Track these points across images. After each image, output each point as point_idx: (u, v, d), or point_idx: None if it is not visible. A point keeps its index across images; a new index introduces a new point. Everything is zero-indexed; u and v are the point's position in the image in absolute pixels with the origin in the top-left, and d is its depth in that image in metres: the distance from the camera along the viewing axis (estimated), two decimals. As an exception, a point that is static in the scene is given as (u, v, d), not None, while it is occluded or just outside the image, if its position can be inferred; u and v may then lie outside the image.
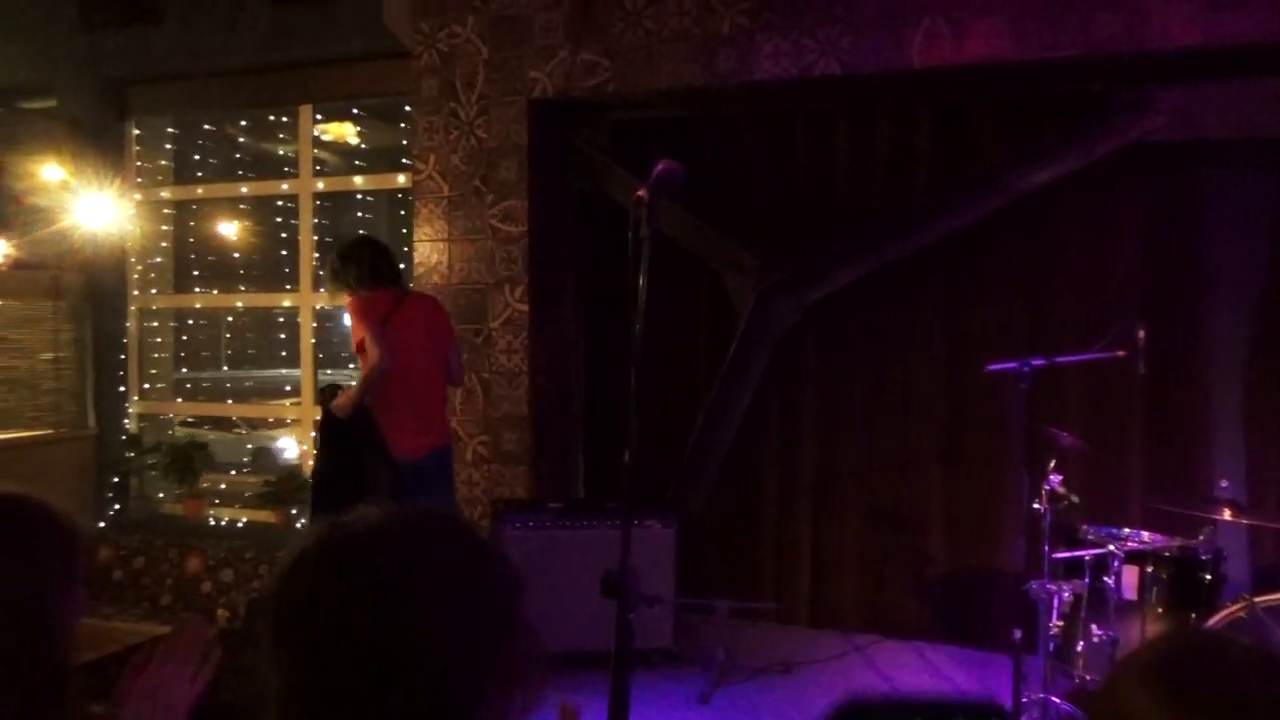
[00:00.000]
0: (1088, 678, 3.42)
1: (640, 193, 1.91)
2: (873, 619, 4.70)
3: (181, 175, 6.60)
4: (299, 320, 6.06)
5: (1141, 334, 3.42)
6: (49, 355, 5.88)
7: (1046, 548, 3.31)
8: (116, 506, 6.14)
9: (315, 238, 6.01)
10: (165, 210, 6.53)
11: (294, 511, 5.96)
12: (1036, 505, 3.30)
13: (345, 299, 4.13)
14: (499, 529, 4.25)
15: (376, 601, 0.84)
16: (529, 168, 4.82)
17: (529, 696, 0.94)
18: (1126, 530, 3.62)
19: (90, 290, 6.09)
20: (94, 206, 5.64)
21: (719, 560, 4.98)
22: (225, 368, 7.79)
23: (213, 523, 5.96)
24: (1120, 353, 3.40)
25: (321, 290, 5.92)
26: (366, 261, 4.08)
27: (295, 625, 0.86)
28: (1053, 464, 3.36)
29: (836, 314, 4.81)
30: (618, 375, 5.16)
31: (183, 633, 1.37)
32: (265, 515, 5.98)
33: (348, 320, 4.20)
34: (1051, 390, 4.20)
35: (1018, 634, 3.18)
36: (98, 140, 6.10)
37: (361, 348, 3.96)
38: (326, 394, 4.07)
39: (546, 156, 4.94)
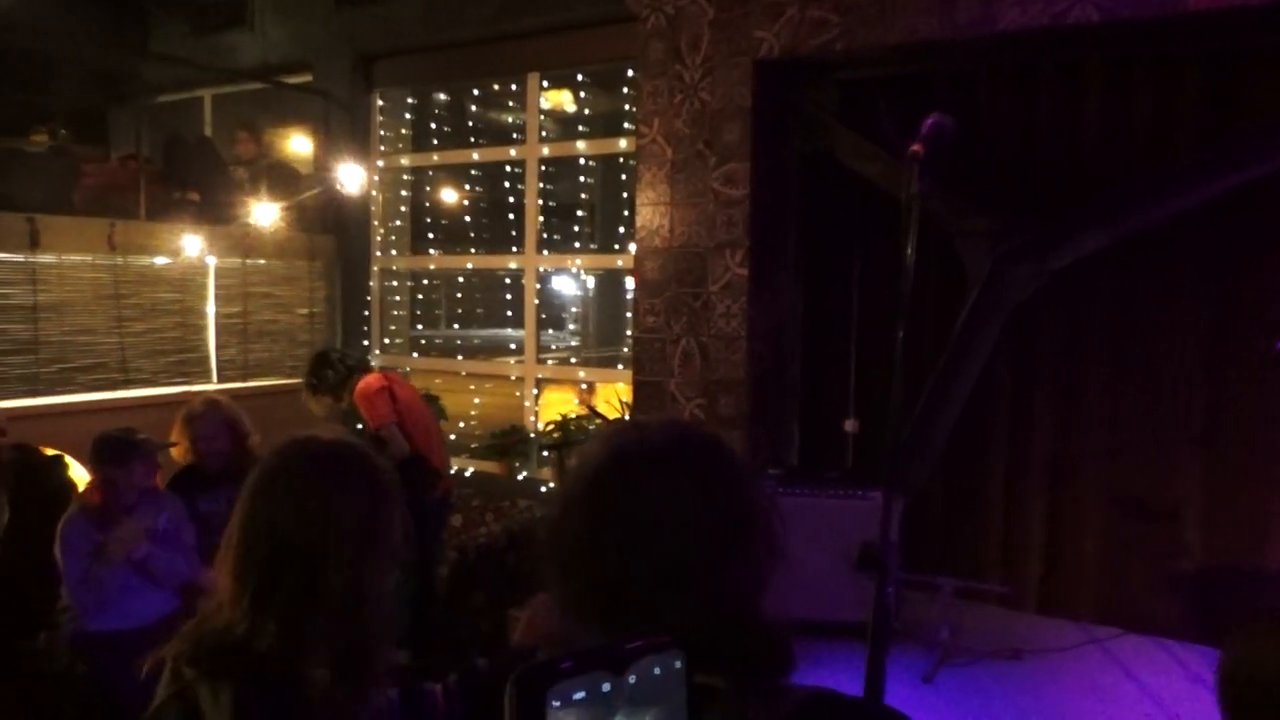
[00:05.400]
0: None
1: (915, 147, 1.84)
2: (1111, 611, 4.38)
3: (418, 144, 7.01)
4: (523, 282, 6.32)
5: None
6: (305, 311, 6.44)
7: (1338, 547, 2.95)
8: (360, 452, 6.67)
9: (540, 202, 6.24)
10: (404, 177, 6.97)
11: (516, 464, 6.27)
12: (1327, 499, 2.94)
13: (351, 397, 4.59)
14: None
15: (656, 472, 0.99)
16: (752, 130, 4.74)
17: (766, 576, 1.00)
18: None
19: (340, 251, 6.61)
20: (345, 174, 6.09)
21: (942, 537, 4.79)
22: (456, 325, 8.24)
23: (443, 471, 6.34)
24: None
25: (545, 253, 6.13)
26: (335, 361, 4.69)
27: (592, 477, 1.01)
28: (1349, 454, 2.98)
29: (1081, 283, 4.47)
30: (838, 342, 5.05)
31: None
32: (490, 466, 6.33)
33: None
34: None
35: (1300, 640, 2.85)
36: (348, 112, 6.58)
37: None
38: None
39: (771, 119, 4.86)
